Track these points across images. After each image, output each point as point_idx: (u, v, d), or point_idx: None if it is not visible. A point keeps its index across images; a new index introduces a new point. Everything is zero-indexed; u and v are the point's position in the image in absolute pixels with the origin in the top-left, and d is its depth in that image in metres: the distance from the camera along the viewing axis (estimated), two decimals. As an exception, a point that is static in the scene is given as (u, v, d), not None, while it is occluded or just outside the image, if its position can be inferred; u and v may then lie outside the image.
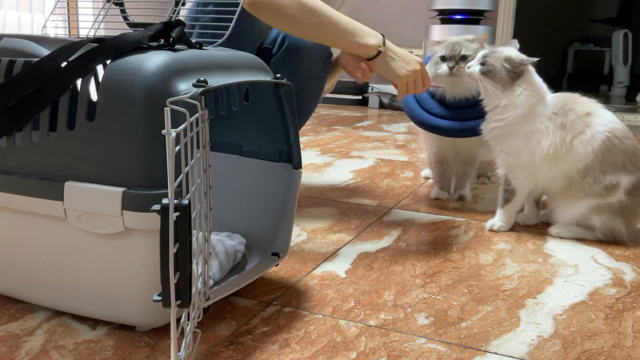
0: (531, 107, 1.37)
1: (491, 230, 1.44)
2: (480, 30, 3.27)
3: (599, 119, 1.37)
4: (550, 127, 1.37)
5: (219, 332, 0.89)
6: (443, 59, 1.52)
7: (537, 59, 1.37)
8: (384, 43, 1.27)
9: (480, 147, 1.64)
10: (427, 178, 1.95)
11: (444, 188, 1.71)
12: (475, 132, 1.52)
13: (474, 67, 1.39)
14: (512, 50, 1.41)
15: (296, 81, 1.21)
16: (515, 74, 1.37)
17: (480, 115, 1.47)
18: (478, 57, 1.40)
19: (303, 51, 1.41)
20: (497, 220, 1.44)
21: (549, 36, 6.55)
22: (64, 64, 0.82)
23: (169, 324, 0.86)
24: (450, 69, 1.49)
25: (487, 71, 1.37)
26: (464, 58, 1.49)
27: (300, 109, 1.46)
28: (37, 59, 0.83)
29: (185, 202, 0.64)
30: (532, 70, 1.40)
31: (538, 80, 1.41)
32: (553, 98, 1.42)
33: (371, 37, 1.25)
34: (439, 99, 1.57)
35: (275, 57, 1.42)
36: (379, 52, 1.26)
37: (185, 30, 0.88)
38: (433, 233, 1.41)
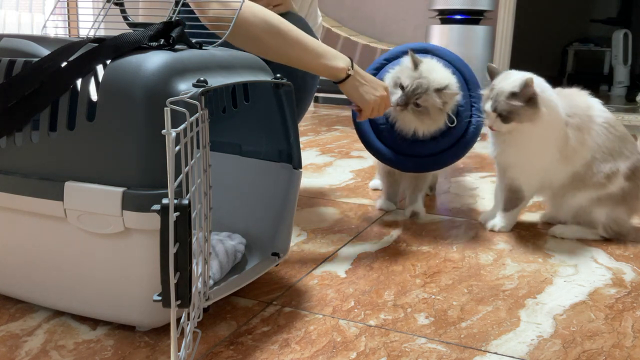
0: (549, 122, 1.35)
1: (492, 230, 1.44)
2: (480, 30, 3.27)
3: (596, 111, 1.39)
4: (570, 133, 1.36)
5: (219, 332, 0.89)
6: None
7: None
8: (352, 66, 1.22)
9: None
10: (375, 189, 1.79)
11: (391, 199, 1.59)
12: (413, 168, 1.46)
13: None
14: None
15: (294, 81, 1.20)
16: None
17: (429, 152, 1.42)
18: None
19: None
20: (499, 221, 1.44)
21: (549, 36, 6.54)
22: (64, 64, 0.82)
23: (169, 324, 0.86)
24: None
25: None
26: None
27: (298, 106, 1.45)
28: (37, 59, 0.83)
29: (185, 202, 0.65)
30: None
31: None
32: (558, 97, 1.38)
33: (339, 60, 1.20)
34: (391, 126, 1.45)
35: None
36: (348, 76, 1.22)
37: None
38: (433, 233, 1.41)
